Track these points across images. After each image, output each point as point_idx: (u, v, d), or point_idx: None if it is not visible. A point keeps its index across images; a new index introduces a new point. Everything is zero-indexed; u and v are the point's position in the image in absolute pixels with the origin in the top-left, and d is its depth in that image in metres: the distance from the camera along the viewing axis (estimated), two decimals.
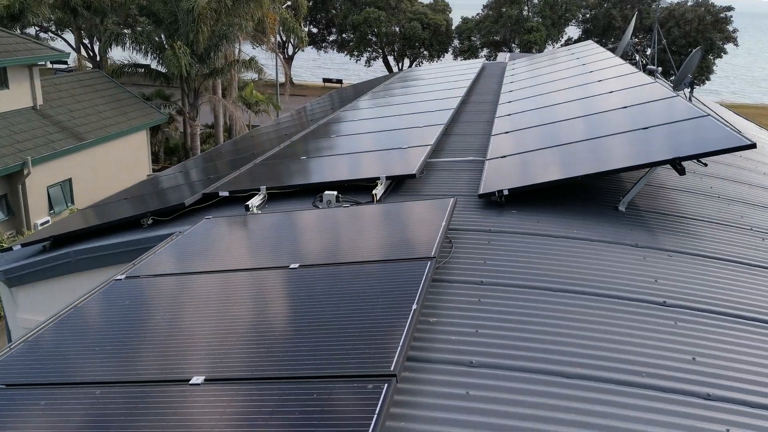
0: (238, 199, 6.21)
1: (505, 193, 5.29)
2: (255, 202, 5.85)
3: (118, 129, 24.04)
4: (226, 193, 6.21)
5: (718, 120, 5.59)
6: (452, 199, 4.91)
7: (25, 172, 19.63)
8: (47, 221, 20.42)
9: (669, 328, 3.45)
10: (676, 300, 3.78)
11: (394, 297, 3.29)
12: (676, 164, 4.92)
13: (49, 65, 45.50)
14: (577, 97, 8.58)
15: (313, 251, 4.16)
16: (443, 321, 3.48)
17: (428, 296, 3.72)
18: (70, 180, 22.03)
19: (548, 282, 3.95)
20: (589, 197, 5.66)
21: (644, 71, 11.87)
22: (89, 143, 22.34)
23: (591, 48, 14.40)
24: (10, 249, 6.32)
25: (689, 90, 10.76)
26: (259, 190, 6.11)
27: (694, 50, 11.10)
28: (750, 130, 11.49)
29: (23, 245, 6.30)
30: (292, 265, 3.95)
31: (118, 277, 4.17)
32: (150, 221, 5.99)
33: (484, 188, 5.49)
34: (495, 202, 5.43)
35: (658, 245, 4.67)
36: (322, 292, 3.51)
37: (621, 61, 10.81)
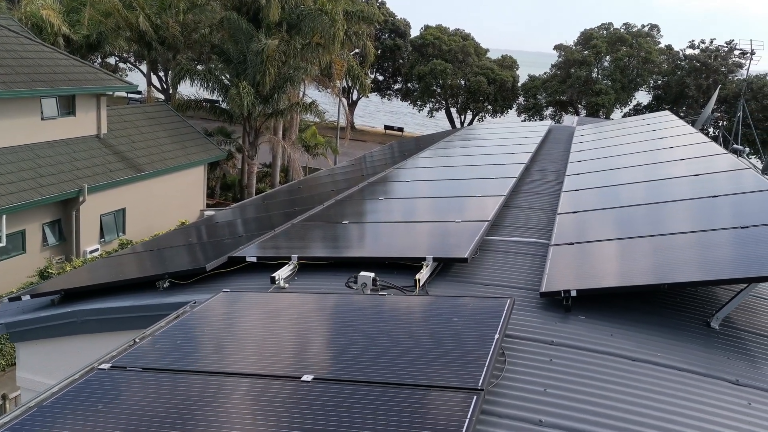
0: (267, 266, 5.55)
1: (573, 294, 4.45)
2: (283, 273, 5.18)
3: (177, 162, 24.13)
4: (254, 259, 5.57)
5: None
6: (509, 300, 4.10)
7: (81, 199, 19.73)
8: (97, 249, 20.41)
9: None
10: None
11: None
12: None
13: (125, 95, 47.17)
14: (657, 178, 7.68)
15: (333, 358, 3.41)
16: None
17: None
18: (123, 210, 22.09)
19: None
20: (673, 305, 4.75)
21: (728, 149, 10.87)
22: (146, 175, 22.42)
23: (669, 120, 13.44)
24: (18, 298, 5.80)
25: None
26: (289, 258, 5.44)
27: None
28: None
29: (32, 296, 5.78)
30: (304, 377, 3.21)
31: (102, 366, 3.51)
32: (167, 284, 5.38)
33: (548, 285, 4.66)
34: (559, 302, 4.59)
35: (766, 384, 3.73)
36: (332, 425, 2.75)
37: (706, 138, 9.85)
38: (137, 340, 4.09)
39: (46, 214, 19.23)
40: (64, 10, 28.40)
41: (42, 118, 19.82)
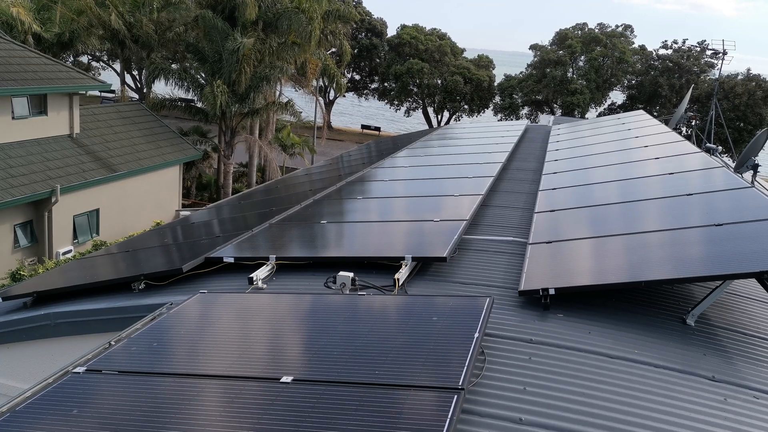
0: (244, 266, 5.50)
1: (551, 292, 4.47)
2: (261, 274, 5.13)
3: (152, 162, 23.83)
4: (231, 260, 5.51)
5: None
6: (488, 299, 4.11)
7: (53, 199, 19.39)
8: (70, 250, 20.08)
9: None
10: None
11: None
12: (764, 279, 4.07)
13: (98, 94, 46.48)
14: (633, 176, 7.77)
15: (313, 359, 3.39)
16: None
17: None
18: (97, 210, 21.75)
19: (606, 430, 3.10)
20: (650, 303, 4.80)
21: (701, 148, 11.04)
22: (120, 175, 22.12)
23: (643, 119, 13.61)
24: None
25: (752, 173, 9.87)
26: (267, 259, 5.39)
27: (759, 132, 10.25)
28: None
29: (4, 298, 5.66)
30: (284, 378, 3.17)
31: (76, 370, 3.44)
32: (142, 285, 5.30)
33: (526, 284, 4.68)
34: (538, 300, 4.61)
35: (741, 380, 3.78)
36: (312, 426, 2.72)
37: (680, 137, 10.00)
38: (112, 343, 4.02)
39: (18, 215, 18.87)
40: (34, 7, 27.90)
41: (13, 118, 19.45)
